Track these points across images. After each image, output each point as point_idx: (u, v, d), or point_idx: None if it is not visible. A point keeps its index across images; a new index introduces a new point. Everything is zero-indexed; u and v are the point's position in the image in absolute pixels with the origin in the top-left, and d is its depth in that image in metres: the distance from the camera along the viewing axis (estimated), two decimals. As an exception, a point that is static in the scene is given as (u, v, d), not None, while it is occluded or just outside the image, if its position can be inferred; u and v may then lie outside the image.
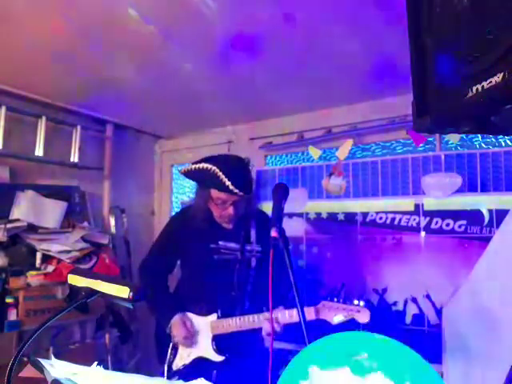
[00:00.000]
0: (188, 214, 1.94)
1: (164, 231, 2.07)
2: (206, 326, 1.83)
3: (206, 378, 1.01)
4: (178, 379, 1.13)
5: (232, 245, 1.89)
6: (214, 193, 1.80)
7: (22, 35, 2.05)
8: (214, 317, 1.82)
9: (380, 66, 2.23)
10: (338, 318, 1.56)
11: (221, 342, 1.80)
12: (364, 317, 1.53)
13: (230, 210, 1.81)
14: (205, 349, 1.82)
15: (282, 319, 1.68)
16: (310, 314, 1.59)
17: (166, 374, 1.83)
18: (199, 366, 1.80)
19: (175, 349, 1.88)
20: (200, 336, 1.84)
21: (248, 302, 1.86)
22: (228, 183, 1.71)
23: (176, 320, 1.83)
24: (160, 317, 1.95)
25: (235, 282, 1.81)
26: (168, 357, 1.86)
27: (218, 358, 1.79)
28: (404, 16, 1.03)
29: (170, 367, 1.86)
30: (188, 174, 1.87)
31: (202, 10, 1.81)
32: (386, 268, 2.61)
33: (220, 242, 1.89)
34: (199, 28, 1.97)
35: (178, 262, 2.08)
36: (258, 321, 1.73)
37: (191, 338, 1.82)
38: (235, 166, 1.82)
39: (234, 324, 1.76)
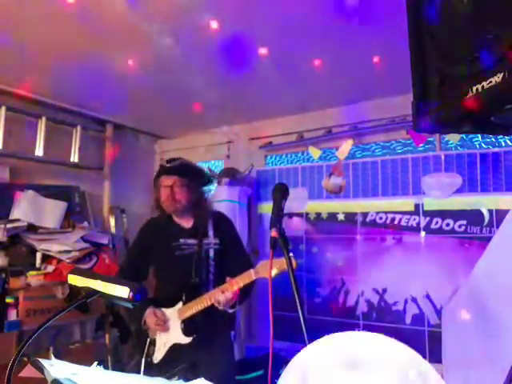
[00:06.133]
0: (153, 222, 2.17)
1: (134, 241, 2.22)
2: (174, 314, 1.97)
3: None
4: (178, 379, 1.13)
5: (191, 241, 2.04)
6: (161, 179, 2.03)
7: (22, 35, 2.05)
8: (180, 304, 1.97)
9: (380, 66, 2.23)
10: (273, 272, 1.60)
11: (188, 324, 1.95)
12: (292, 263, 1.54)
13: (168, 191, 1.99)
14: (176, 334, 1.95)
15: (225, 289, 1.81)
16: (249, 276, 1.76)
17: (143, 368, 1.92)
18: (176, 354, 1.93)
19: (153, 343, 1.99)
20: (171, 324, 1.98)
21: (212, 288, 1.97)
22: (165, 163, 2.00)
23: (147, 312, 1.98)
24: (135, 319, 2.10)
25: (194, 270, 1.97)
26: (145, 351, 1.98)
27: (187, 340, 1.92)
28: (405, 16, 1.04)
29: (151, 361, 1.97)
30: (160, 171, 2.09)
31: (202, 11, 1.81)
32: (386, 268, 2.61)
33: (181, 240, 2.04)
34: (199, 28, 1.96)
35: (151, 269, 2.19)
36: (211, 296, 1.85)
37: (163, 323, 1.96)
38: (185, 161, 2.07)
39: (195, 306, 1.90)
